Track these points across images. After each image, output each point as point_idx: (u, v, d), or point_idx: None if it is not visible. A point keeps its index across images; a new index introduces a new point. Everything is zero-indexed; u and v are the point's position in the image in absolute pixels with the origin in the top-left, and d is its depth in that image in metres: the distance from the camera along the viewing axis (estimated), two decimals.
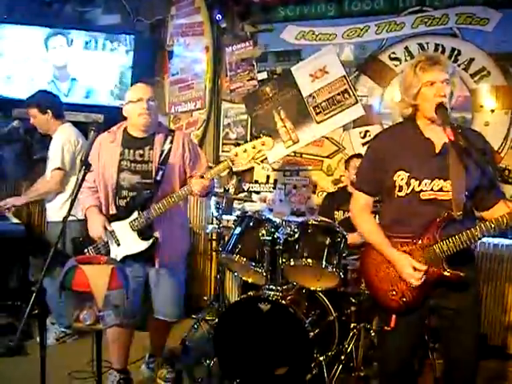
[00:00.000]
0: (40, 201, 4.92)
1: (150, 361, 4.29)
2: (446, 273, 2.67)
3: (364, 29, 5.22)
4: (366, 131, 5.28)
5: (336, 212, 4.80)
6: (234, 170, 5.70)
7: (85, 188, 3.70)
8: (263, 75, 5.72)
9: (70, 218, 2.86)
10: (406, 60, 5.07)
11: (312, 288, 4.13)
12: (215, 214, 5.17)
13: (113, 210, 3.76)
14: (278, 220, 4.33)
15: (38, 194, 4.77)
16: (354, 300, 4.30)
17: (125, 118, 3.81)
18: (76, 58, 5.79)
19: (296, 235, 4.01)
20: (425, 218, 2.71)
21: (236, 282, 5.71)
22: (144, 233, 3.67)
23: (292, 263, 3.96)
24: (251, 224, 4.19)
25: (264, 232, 3.95)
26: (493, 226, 2.57)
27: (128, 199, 3.70)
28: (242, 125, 5.84)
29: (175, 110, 6.13)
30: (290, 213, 5.62)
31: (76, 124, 4.93)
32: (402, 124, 2.93)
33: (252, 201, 5.72)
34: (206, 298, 5.70)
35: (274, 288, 3.91)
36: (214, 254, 5.78)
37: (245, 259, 4.06)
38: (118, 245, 3.71)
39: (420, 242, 2.73)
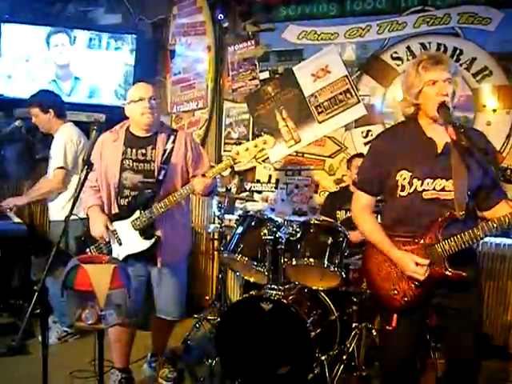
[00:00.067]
0: (42, 200, 4.93)
1: (151, 360, 4.29)
2: (447, 272, 2.66)
3: (366, 28, 5.22)
4: (368, 131, 5.27)
5: (338, 211, 4.81)
6: (236, 169, 5.71)
7: (87, 187, 3.69)
8: (265, 75, 5.72)
9: (72, 217, 2.86)
10: (407, 60, 5.06)
11: (314, 287, 4.13)
12: (217, 213, 5.16)
13: (115, 210, 3.76)
14: (279, 219, 4.33)
15: (40, 193, 4.77)
16: (355, 299, 4.30)
17: (127, 118, 3.81)
18: (79, 57, 5.79)
19: (298, 235, 4.02)
20: (427, 217, 2.71)
21: (238, 281, 5.71)
22: (146, 232, 3.67)
23: (294, 263, 3.96)
24: (253, 223, 4.19)
25: (266, 231, 3.95)
26: (495, 225, 2.57)
27: (130, 198, 3.70)
28: (243, 124, 5.84)
29: (177, 109, 6.13)
30: (292, 212, 5.62)
31: (78, 124, 4.93)
32: (404, 123, 2.93)
33: (254, 200, 5.72)
34: (207, 297, 5.72)
35: (275, 287, 3.90)
36: (215, 253, 5.78)
37: (247, 259, 4.07)
38: (120, 244, 3.71)
39: (422, 241, 2.73)
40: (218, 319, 4.13)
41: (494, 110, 4.79)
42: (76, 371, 4.11)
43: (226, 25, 5.77)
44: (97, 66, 5.81)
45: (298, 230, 4.04)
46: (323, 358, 3.86)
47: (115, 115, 4.28)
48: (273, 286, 3.92)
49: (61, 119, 4.74)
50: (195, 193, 3.61)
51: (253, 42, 5.72)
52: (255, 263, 4.06)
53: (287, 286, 4.10)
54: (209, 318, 5.05)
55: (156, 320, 4.01)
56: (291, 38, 5.54)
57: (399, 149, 2.80)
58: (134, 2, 6.01)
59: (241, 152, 3.50)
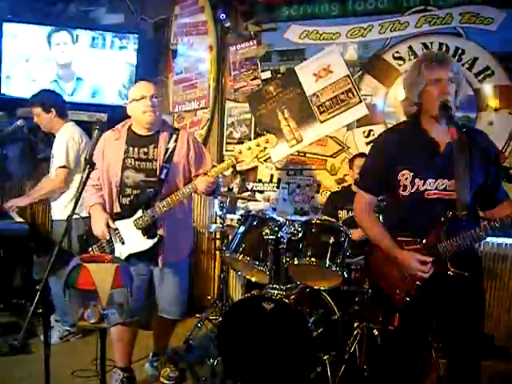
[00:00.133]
0: (44, 200, 4.93)
1: (153, 359, 4.30)
2: (449, 272, 2.67)
3: (368, 28, 5.22)
4: (370, 130, 5.28)
5: (340, 211, 4.81)
6: (238, 169, 5.72)
7: (89, 186, 3.69)
8: (267, 74, 5.72)
9: (75, 216, 2.86)
10: (409, 59, 5.06)
11: (316, 287, 4.13)
12: (219, 213, 5.16)
13: (117, 208, 3.76)
14: (281, 219, 4.32)
15: (42, 193, 4.78)
16: (357, 299, 4.31)
17: (129, 117, 3.82)
18: (81, 57, 5.79)
19: (300, 234, 4.01)
20: (429, 217, 2.71)
21: (240, 281, 5.71)
22: (149, 231, 3.67)
23: (296, 262, 3.96)
24: (255, 223, 4.19)
25: (268, 231, 3.94)
26: (497, 225, 2.57)
27: (132, 197, 3.69)
28: (245, 124, 5.84)
29: (179, 109, 6.14)
30: (294, 212, 5.62)
31: (80, 123, 4.95)
32: (406, 123, 2.93)
33: (256, 200, 5.72)
34: (209, 297, 5.72)
35: (277, 287, 3.90)
36: (217, 252, 5.78)
37: (248, 258, 4.06)
38: (123, 243, 3.71)
39: (424, 241, 2.74)
40: (220, 319, 4.14)
41: (496, 110, 4.79)
42: (78, 370, 4.12)
43: (227, 24, 5.77)
44: (100, 65, 5.81)
45: (299, 229, 4.04)
46: (325, 357, 3.86)
47: (117, 115, 4.29)
48: (274, 286, 3.92)
49: (62, 119, 4.75)
50: (198, 192, 3.61)
51: (255, 41, 5.72)
52: (257, 263, 4.06)
53: (289, 286, 4.10)
54: (210, 317, 5.06)
55: (158, 319, 4.01)
56: (293, 38, 5.54)
57: (401, 149, 2.80)
58: (136, 2, 6.03)
59: (243, 151, 3.50)
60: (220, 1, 5.78)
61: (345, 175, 5.37)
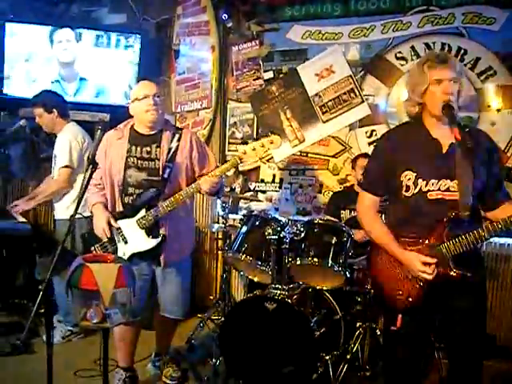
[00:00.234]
0: (48, 200, 4.94)
1: (155, 359, 4.30)
2: (452, 273, 2.66)
3: (370, 28, 5.21)
4: (372, 130, 5.27)
5: (342, 211, 4.81)
6: (240, 169, 5.72)
7: (91, 185, 3.67)
8: (269, 74, 5.71)
9: (77, 215, 2.87)
10: (412, 59, 5.06)
11: (318, 287, 4.14)
12: (221, 213, 5.17)
13: (119, 208, 3.77)
14: (284, 219, 4.33)
15: (46, 194, 4.79)
16: (359, 299, 4.31)
17: (131, 117, 3.82)
18: (85, 56, 5.78)
19: (302, 234, 4.02)
20: (432, 217, 2.71)
21: (242, 281, 5.71)
22: (152, 230, 3.68)
23: (298, 262, 3.96)
24: (257, 223, 4.19)
25: (270, 231, 3.94)
26: (500, 226, 2.56)
27: (135, 196, 3.70)
28: (248, 124, 5.84)
29: (181, 109, 6.14)
30: (296, 212, 5.62)
31: (81, 123, 4.96)
32: (408, 124, 2.93)
33: (258, 200, 5.72)
34: (211, 297, 5.73)
35: (279, 287, 3.90)
36: (219, 252, 5.78)
37: (251, 258, 4.07)
38: (126, 242, 3.72)
39: (427, 241, 2.73)
40: (222, 319, 4.16)
41: (499, 110, 4.78)
42: (81, 370, 4.13)
43: (230, 25, 5.76)
44: (105, 65, 5.80)
45: (302, 229, 4.04)
46: (327, 357, 3.87)
47: (119, 114, 4.30)
48: (277, 286, 3.92)
49: (64, 119, 4.77)
50: (201, 191, 3.61)
51: (257, 41, 5.72)
52: (259, 263, 4.06)
53: (291, 286, 4.10)
54: (213, 317, 5.06)
55: (160, 319, 4.02)
56: (295, 38, 5.54)
57: (404, 149, 2.79)
58: (139, 2, 6.02)
59: (248, 151, 3.51)
60: (222, 1, 5.77)
61: (347, 175, 5.37)
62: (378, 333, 4.23)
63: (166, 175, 3.68)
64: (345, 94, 5.35)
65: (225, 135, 5.97)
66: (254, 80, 5.77)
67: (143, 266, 3.75)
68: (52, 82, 5.73)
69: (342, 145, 5.42)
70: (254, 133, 5.79)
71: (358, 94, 5.31)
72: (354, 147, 5.37)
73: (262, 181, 5.80)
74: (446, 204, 2.69)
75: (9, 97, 5.67)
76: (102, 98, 5.84)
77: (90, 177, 2.85)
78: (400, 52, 5.13)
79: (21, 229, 4.93)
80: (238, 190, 5.83)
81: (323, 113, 5.43)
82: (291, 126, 5.55)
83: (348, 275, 3.95)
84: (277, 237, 3.95)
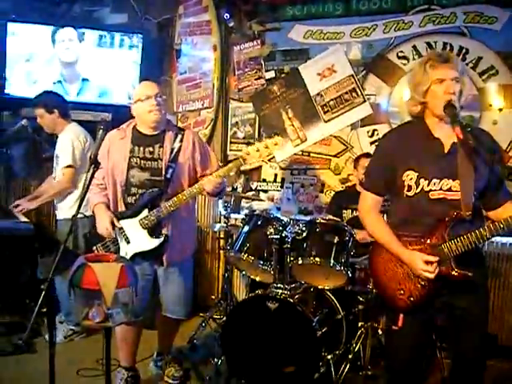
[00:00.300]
0: (51, 200, 4.95)
1: (157, 359, 4.30)
2: (454, 272, 2.66)
3: (372, 28, 5.21)
4: (374, 130, 5.27)
5: (344, 211, 4.81)
6: (242, 168, 5.71)
7: (93, 185, 3.68)
8: (271, 74, 5.71)
9: (79, 215, 2.87)
10: (413, 59, 5.05)
11: (320, 287, 4.14)
12: (223, 212, 5.17)
13: (122, 207, 3.77)
14: (285, 219, 4.34)
15: (50, 194, 4.81)
16: (361, 299, 4.31)
17: (133, 117, 3.82)
18: (87, 56, 5.77)
19: (304, 234, 4.02)
20: (434, 217, 2.71)
21: (244, 280, 5.71)
22: (154, 230, 3.68)
23: (300, 262, 3.97)
24: (259, 223, 4.20)
25: (272, 230, 3.95)
26: (502, 226, 2.56)
27: (137, 196, 3.71)
28: (249, 124, 5.84)
29: (183, 108, 6.14)
30: (298, 212, 5.62)
31: (82, 123, 4.97)
32: (410, 123, 2.92)
33: (260, 199, 5.72)
34: (213, 296, 5.73)
35: (281, 286, 3.91)
36: (221, 252, 5.78)
37: (253, 258, 4.07)
38: (128, 242, 3.72)
39: (429, 241, 2.73)
40: (224, 318, 4.15)
41: (500, 110, 4.78)
42: (83, 370, 4.13)
43: (231, 24, 5.77)
44: (107, 65, 5.80)
45: (304, 229, 4.05)
46: (329, 357, 3.87)
47: (121, 114, 4.30)
48: (279, 285, 3.92)
49: (65, 119, 4.79)
50: (204, 192, 3.61)
51: (259, 41, 5.71)
52: (261, 262, 4.07)
53: (293, 285, 4.11)
54: (215, 317, 5.07)
55: (162, 319, 4.02)
56: (297, 38, 5.54)
57: (406, 149, 2.79)
58: (140, 2, 6.03)
59: (251, 152, 3.50)
60: (224, 0, 5.77)
61: (349, 175, 5.36)
62: (380, 332, 4.23)
63: (168, 175, 3.68)
64: (346, 93, 5.35)
65: (226, 135, 5.97)
66: (255, 79, 5.77)
67: (145, 265, 3.75)
68: (53, 83, 5.73)
69: (344, 144, 5.42)
70: (256, 132, 5.79)
71: (359, 93, 5.31)
72: (355, 147, 5.36)
73: (264, 180, 5.80)
74: (448, 204, 2.69)
75: (11, 96, 5.67)
76: (105, 98, 5.84)
77: (92, 176, 2.86)
78: (402, 51, 5.13)
79: (23, 228, 4.93)
80: (239, 189, 5.83)
81: (325, 112, 5.43)
82: (293, 125, 5.55)
83: (350, 275, 3.95)
84: (279, 236, 3.95)
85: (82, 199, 2.84)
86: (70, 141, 4.65)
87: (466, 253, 2.64)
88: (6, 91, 5.63)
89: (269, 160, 5.70)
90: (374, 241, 2.98)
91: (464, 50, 4.85)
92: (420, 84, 2.73)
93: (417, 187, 2.73)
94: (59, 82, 5.76)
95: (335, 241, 3.94)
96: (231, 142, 5.95)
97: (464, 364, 2.87)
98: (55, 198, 4.80)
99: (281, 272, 4.01)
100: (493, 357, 4.14)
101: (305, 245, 4.00)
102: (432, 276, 2.67)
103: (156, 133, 3.77)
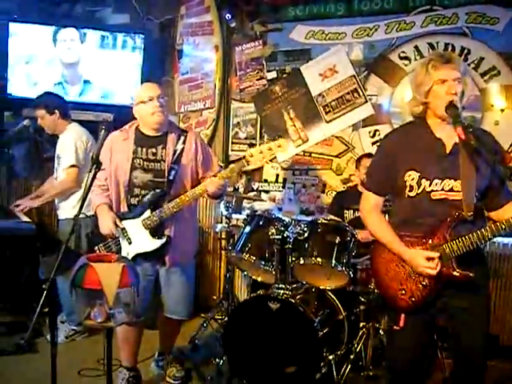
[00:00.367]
0: (52, 200, 4.95)
1: (159, 359, 4.30)
2: (455, 273, 2.66)
3: (373, 28, 5.21)
4: (376, 130, 5.27)
5: (346, 211, 4.81)
6: (243, 169, 5.71)
7: (95, 186, 3.68)
8: (273, 74, 5.72)
9: (81, 215, 2.88)
10: (415, 59, 5.05)
11: (321, 287, 4.13)
12: (224, 212, 5.16)
13: (124, 208, 3.78)
14: (287, 219, 4.33)
15: (53, 193, 4.81)
16: (363, 299, 4.30)
17: (134, 118, 3.82)
18: (89, 57, 5.77)
19: (306, 234, 4.02)
20: (435, 217, 2.71)
21: (245, 280, 5.71)
22: (157, 231, 3.68)
23: (302, 262, 3.96)
24: (261, 223, 4.19)
25: (274, 231, 3.94)
26: (503, 226, 2.56)
27: (140, 197, 3.72)
28: (251, 124, 5.84)
29: (185, 109, 6.14)
30: (300, 212, 5.62)
31: (82, 123, 4.98)
32: (412, 123, 2.92)
33: (261, 200, 5.72)
34: (215, 296, 5.73)
35: (283, 287, 3.91)
36: (223, 252, 5.78)
37: (254, 258, 4.07)
38: (130, 243, 3.72)
39: (430, 241, 2.73)
40: (226, 318, 4.14)
41: (502, 110, 4.78)
42: (84, 369, 4.13)
43: (233, 25, 5.77)
44: (110, 67, 5.80)
45: (305, 229, 4.04)
46: (331, 357, 3.87)
47: (123, 115, 4.31)
48: (280, 286, 3.92)
49: (66, 120, 4.80)
50: (206, 193, 3.61)
51: (260, 41, 5.72)
52: (263, 262, 4.07)
53: (295, 286, 4.11)
54: (216, 317, 5.07)
55: (164, 319, 4.02)
56: (299, 38, 5.54)
57: (408, 149, 2.79)
58: (142, 2, 6.03)
59: (255, 154, 3.50)
60: (226, 1, 5.78)
61: (350, 175, 5.36)
62: (382, 333, 4.23)
63: (171, 177, 3.69)
64: (348, 93, 5.35)
65: (228, 135, 5.97)
66: (257, 80, 5.77)
67: (147, 266, 3.75)
68: (54, 85, 5.73)
69: (346, 145, 5.42)
70: (258, 133, 5.80)
71: (361, 93, 5.31)
72: (357, 147, 5.37)
73: (266, 181, 5.80)
74: (450, 204, 2.69)
75: (13, 97, 5.68)
76: (107, 99, 5.84)
77: (94, 177, 2.86)
78: (403, 52, 5.13)
79: (24, 228, 4.93)
80: (241, 189, 5.83)
81: (326, 113, 5.43)
82: (294, 125, 5.55)
83: (351, 275, 3.95)
84: (280, 236, 3.95)
85: (83, 199, 2.84)
86: (72, 141, 4.66)
87: (468, 253, 2.64)
88: (8, 91, 5.64)
89: (270, 160, 5.69)
90: (376, 241, 2.98)
91: (466, 51, 4.85)
92: (422, 84, 2.73)
93: (418, 187, 2.73)
94: (60, 83, 5.76)
95: (337, 241, 3.94)
96: (233, 143, 5.95)
97: (465, 364, 2.87)
98: (58, 197, 4.81)
99: (282, 272, 4.01)
100: (494, 357, 4.15)
101: (306, 245, 4.00)
102: (434, 272, 2.67)
103: (159, 134, 3.77)
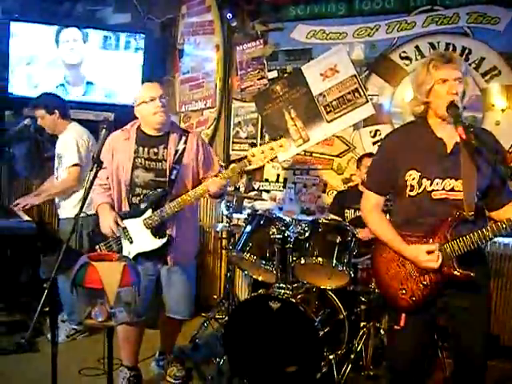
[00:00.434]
0: (52, 199, 4.96)
1: (159, 359, 4.30)
2: (456, 272, 2.66)
3: (375, 28, 5.21)
4: (377, 130, 5.27)
5: (347, 210, 4.81)
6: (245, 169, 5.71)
7: (96, 185, 3.68)
8: (274, 74, 5.72)
9: (82, 214, 2.88)
10: (416, 59, 5.05)
11: (322, 287, 4.14)
12: (225, 212, 5.17)
13: (126, 208, 3.78)
14: (288, 219, 4.34)
15: (55, 191, 4.81)
16: (363, 299, 4.31)
17: (135, 118, 3.83)
18: (92, 58, 5.77)
19: (306, 234, 4.02)
20: (436, 217, 2.71)
21: (246, 280, 5.71)
22: (158, 231, 3.68)
23: (302, 262, 3.97)
24: (262, 222, 4.20)
25: (275, 230, 3.95)
26: (504, 226, 2.56)
27: (141, 197, 3.72)
28: (252, 123, 5.84)
29: (186, 108, 6.14)
30: (300, 211, 5.62)
31: (82, 122, 4.98)
32: (413, 123, 2.92)
33: (262, 199, 5.72)
34: (215, 296, 5.73)
35: (284, 286, 3.91)
36: (223, 252, 5.78)
37: (255, 257, 4.07)
38: (131, 242, 3.72)
39: (431, 241, 2.73)
40: (226, 318, 4.14)
41: (503, 110, 4.78)
42: (85, 369, 4.13)
43: (234, 24, 5.77)
44: (113, 68, 5.80)
45: (306, 229, 4.05)
46: (331, 357, 3.87)
47: (124, 114, 4.31)
48: (281, 285, 3.92)
49: (66, 119, 4.81)
50: (206, 194, 3.61)
51: (261, 41, 5.72)
52: (263, 262, 4.07)
53: (295, 285, 4.11)
54: (217, 316, 5.08)
55: (165, 319, 4.02)
56: (300, 38, 5.54)
57: (408, 149, 2.79)
58: (143, 1, 6.04)
59: (256, 154, 3.50)
60: (227, 0, 5.78)
61: (351, 175, 5.37)
62: (382, 332, 4.23)
63: (173, 176, 3.69)
64: (349, 93, 5.35)
65: (229, 135, 5.97)
66: (258, 79, 5.77)
67: (148, 265, 3.75)
68: (56, 87, 5.72)
69: (347, 144, 5.42)
70: (259, 132, 5.80)
71: (362, 93, 5.31)
72: (358, 147, 5.37)
73: (266, 180, 5.80)
74: (451, 204, 2.69)
75: (13, 96, 5.68)
76: (109, 99, 5.84)
77: (95, 176, 2.86)
78: (404, 52, 5.13)
79: (25, 227, 4.94)
80: (242, 189, 5.83)
81: (327, 112, 5.43)
82: (295, 125, 5.55)
83: (352, 275, 3.95)
84: (281, 236, 3.95)
85: (84, 198, 2.84)
86: (73, 140, 4.66)
87: (469, 253, 2.64)
88: (9, 91, 5.64)
89: (271, 160, 5.68)
90: (377, 241, 2.98)
91: (467, 51, 4.85)
92: (423, 84, 2.73)
93: (419, 187, 2.73)
94: (62, 85, 5.75)
95: (337, 241, 3.94)
96: (234, 142, 5.95)
97: (465, 364, 2.87)
98: (59, 195, 4.80)
99: (283, 272, 4.01)
100: (495, 357, 4.15)
101: (307, 245, 4.00)
102: (436, 265, 2.66)
103: (160, 134, 3.77)
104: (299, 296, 4.01)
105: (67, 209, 4.75)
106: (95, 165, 2.82)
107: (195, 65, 6.07)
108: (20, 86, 5.67)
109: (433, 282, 2.72)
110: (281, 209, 5.68)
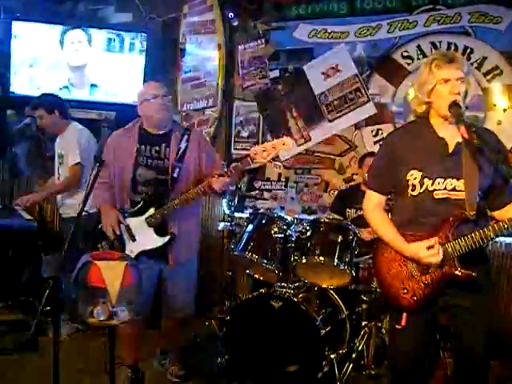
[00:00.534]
0: (52, 198, 4.96)
1: (161, 357, 4.31)
2: (458, 272, 2.66)
3: (376, 27, 5.21)
4: (378, 130, 5.27)
5: (348, 210, 4.81)
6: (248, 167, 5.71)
7: (99, 184, 3.65)
8: (275, 73, 5.72)
9: (84, 213, 2.88)
10: (418, 59, 5.05)
11: (323, 286, 4.14)
12: (227, 211, 5.17)
13: (128, 206, 3.78)
14: (289, 218, 4.34)
15: (57, 189, 4.82)
16: (365, 298, 4.32)
17: (137, 116, 3.83)
18: (96, 60, 5.77)
19: (308, 233, 4.03)
20: (438, 217, 2.70)
21: (247, 279, 5.71)
22: (161, 229, 3.69)
23: (304, 261, 3.97)
24: (263, 222, 4.20)
25: (276, 229, 3.95)
26: (506, 226, 2.55)
27: (144, 195, 3.72)
28: (253, 123, 5.84)
29: (187, 107, 6.14)
30: (302, 211, 5.63)
31: (83, 121, 4.98)
32: (415, 123, 2.92)
33: (264, 198, 5.72)
34: (217, 295, 5.71)
35: (285, 285, 3.92)
36: (225, 251, 5.78)
37: (257, 256, 4.07)
38: (133, 240, 3.73)
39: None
40: (228, 317, 4.14)
41: (505, 110, 4.78)
42: (86, 367, 4.13)
43: (236, 23, 5.77)
44: (117, 70, 5.80)
45: (308, 228, 4.06)
46: (332, 356, 3.87)
47: (126, 113, 4.31)
48: (283, 284, 3.93)
49: (66, 119, 4.80)
50: (208, 191, 3.61)
51: (263, 40, 5.72)
52: (265, 261, 4.07)
53: (297, 284, 4.11)
54: (218, 315, 5.06)
55: (167, 318, 4.03)
56: (301, 37, 5.54)
57: (410, 148, 2.79)
58: (145, 1, 6.04)
59: (259, 152, 3.49)
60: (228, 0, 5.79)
61: (353, 174, 5.37)
62: (384, 332, 4.23)
63: (175, 174, 3.69)
64: (351, 93, 5.36)
65: (230, 134, 5.97)
66: (259, 79, 5.77)
67: (150, 264, 3.75)
68: (60, 89, 5.70)
69: (348, 144, 5.42)
70: (260, 132, 5.80)
71: (364, 93, 5.31)
72: (359, 146, 5.37)
73: (268, 179, 5.80)
74: (452, 203, 2.69)
75: (15, 95, 5.68)
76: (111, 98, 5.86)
77: (97, 175, 2.86)
78: (406, 51, 5.13)
79: (27, 226, 4.95)
80: (243, 188, 5.83)
81: (329, 112, 5.43)
82: (297, 124, 5.55)
83: (353, 274, 3.96)
84: (283, 235, 3.96)
85: (86, 197, 2.85)
86: (75, 139, 4.66)
87: (470, 252, 2.64)
88: (11, 90, 5.64)
89: (273, 159, 5.69)
90: (378, 240, 2.98)
91: (469, 50, 4.86)
92: (425, 84, 2.72)
93: (421, 187, 2.73)
94: (66, 87, 5.75)
95: (339, 240, 3.95)
96: (235, 141, 5.95)
97: (467, 364, 2.86)
98: (61, 193, 4.80)
99: (285, 271, 4.02)
100: (497, 357, 4.14)
101: (309, 244, 4.01)
102: (438, 259, 2.66)
103: (163, 132, 3.78)
104: (301, 295, 4.01)
105: (69, 207, 4.75)
106: (97, 164, 2.83)
107: (197, 64, 6.07)
108: (22, 85, 5.66)
109: (434, 282, 2.71)
110: (282, 208, 5.69)
